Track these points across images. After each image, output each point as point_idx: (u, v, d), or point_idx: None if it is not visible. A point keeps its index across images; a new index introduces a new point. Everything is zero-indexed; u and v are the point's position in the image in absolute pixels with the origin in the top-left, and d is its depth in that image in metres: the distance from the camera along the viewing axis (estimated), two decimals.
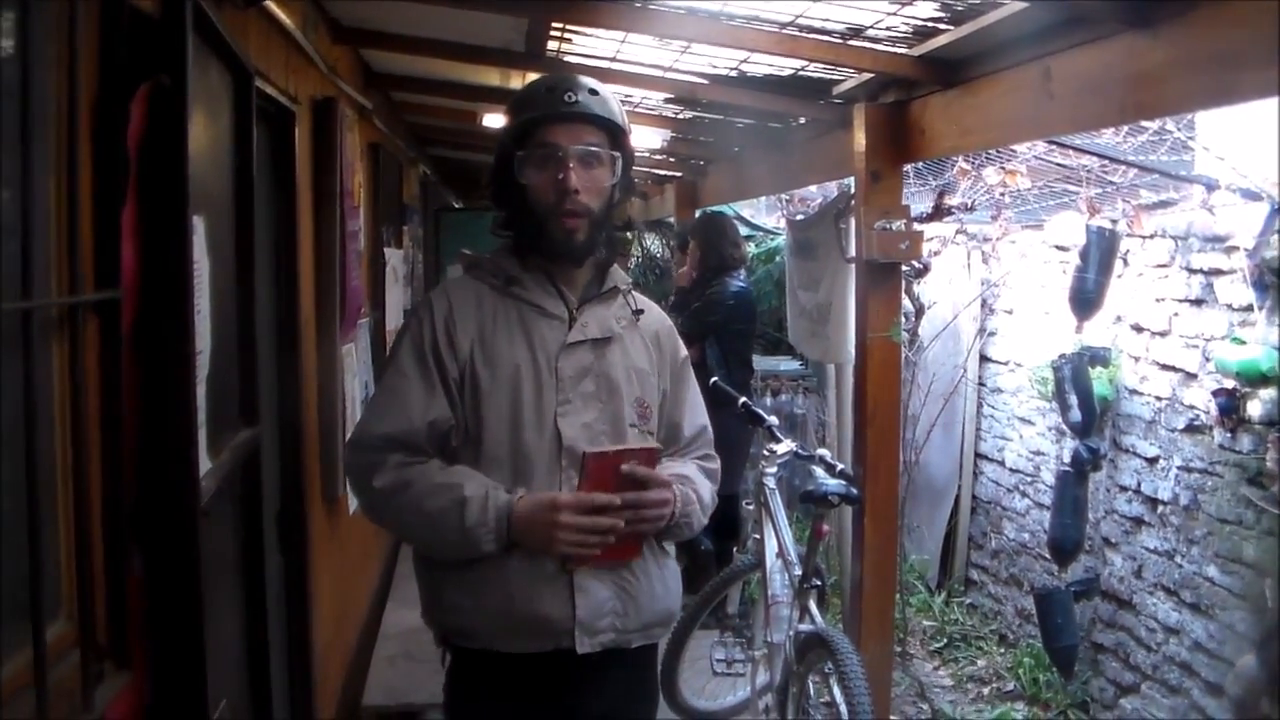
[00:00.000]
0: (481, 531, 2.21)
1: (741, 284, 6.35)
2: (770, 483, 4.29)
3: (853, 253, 4.68)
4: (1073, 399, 4.86)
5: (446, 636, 2.42)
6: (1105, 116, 3.07)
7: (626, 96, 5.42)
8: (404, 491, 2.27)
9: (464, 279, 2.48)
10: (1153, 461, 4.82)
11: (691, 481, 2.46)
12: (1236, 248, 4.25)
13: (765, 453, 4.33)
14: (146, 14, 1.83)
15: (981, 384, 6.73)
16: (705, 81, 4.76)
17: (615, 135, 2.40)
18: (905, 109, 4.11)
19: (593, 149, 2.35)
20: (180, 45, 1.83)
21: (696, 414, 2.63)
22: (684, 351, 2.64)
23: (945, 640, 6.20)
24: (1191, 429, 4.54)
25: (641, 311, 2.53)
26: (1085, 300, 4.82)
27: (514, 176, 2.36)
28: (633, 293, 2.55)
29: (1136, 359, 4.98)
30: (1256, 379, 4.02)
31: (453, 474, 2.28)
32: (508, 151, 2.38)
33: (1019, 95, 3.35)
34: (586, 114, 2.34)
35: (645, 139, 6.35)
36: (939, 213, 5.49)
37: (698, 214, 7.63)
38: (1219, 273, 4.39)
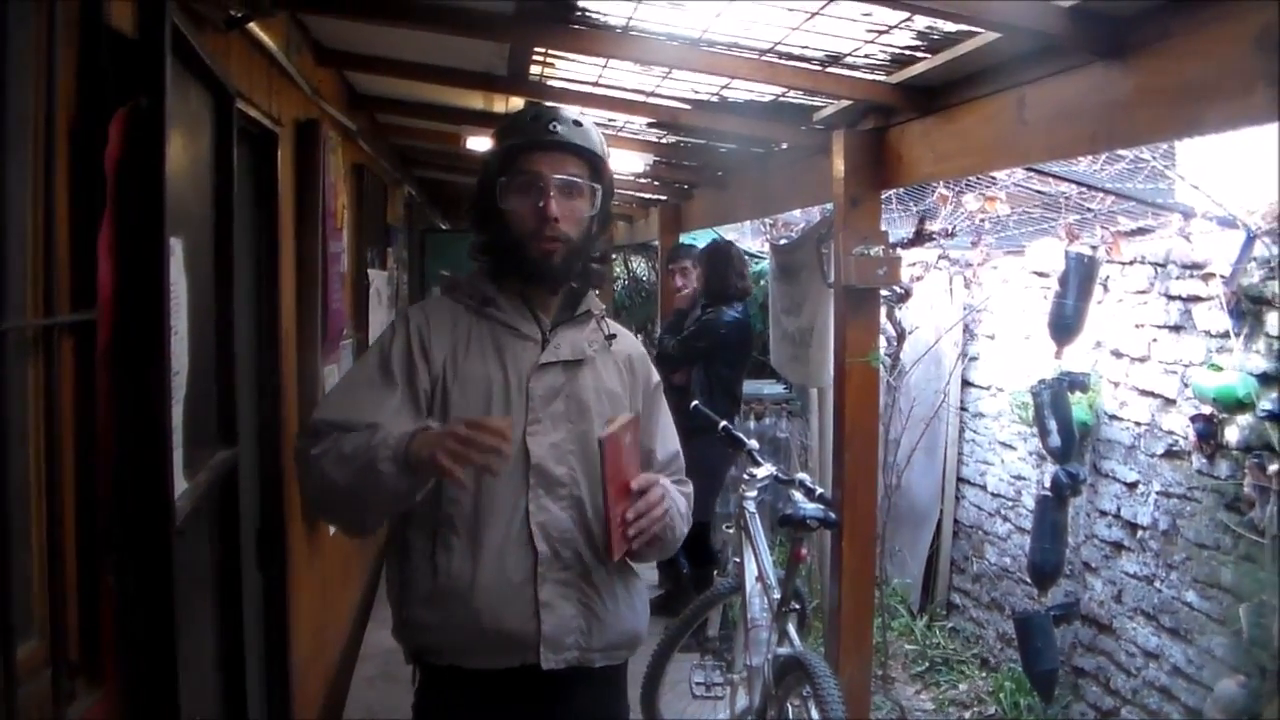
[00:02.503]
0: (381, 449, 2.15)
1: (737, 314, 6.29)
2: (750, 506, 4.30)
3: (833, 277, 4.70)
4: (1052, 424, 4.88)
5: (415, 653, 2.43)
6: (1078, 144, 3.09)
7: (609, 121, 5.45)
8: (332, 448, 2.24)
9: (441, 299, 2.51)
10: (1132, 486, 4.84)
11: (670, 492, 2.47)
12: (1214, 275, 4.29)
13: (745, 476, 4.35)
14: (125, 36, 1.85)
15: (963, 408, 6.75)
16: (687, 106, 4.79)
17: (596, 167, 2.43)
18: (884, 135, 4.14)
19: (573, 179, 2.37)
20: (158, 67, 1.85)
21: (669, 440, 2.65)
22: (656, 377, 2.66)
23: (927, 664, 6.20)
24: (1170, 454, 4.57)
25: (614, 336, 2.56)
26: (1065, 326, 4.84)
27: (495, 202, 2.38)
28: (605, 319, 2.58)
29: (1116, 384, 5.01)
30: (1233, 405, 4.05)
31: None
32: (490, 177, 2.41)
33: (994, 123, 3.38)
34: (569, 144, 2.37)
35: (628, 163, 6.37)
36: (920, 238, 5.52)
37: (683, 238, 7.64)
38: (1197, 299, 4.43)
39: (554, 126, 2.36)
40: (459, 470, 2.07)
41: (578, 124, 2.40)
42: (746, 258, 7.32)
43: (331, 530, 4.46)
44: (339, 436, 2.26)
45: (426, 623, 2.33)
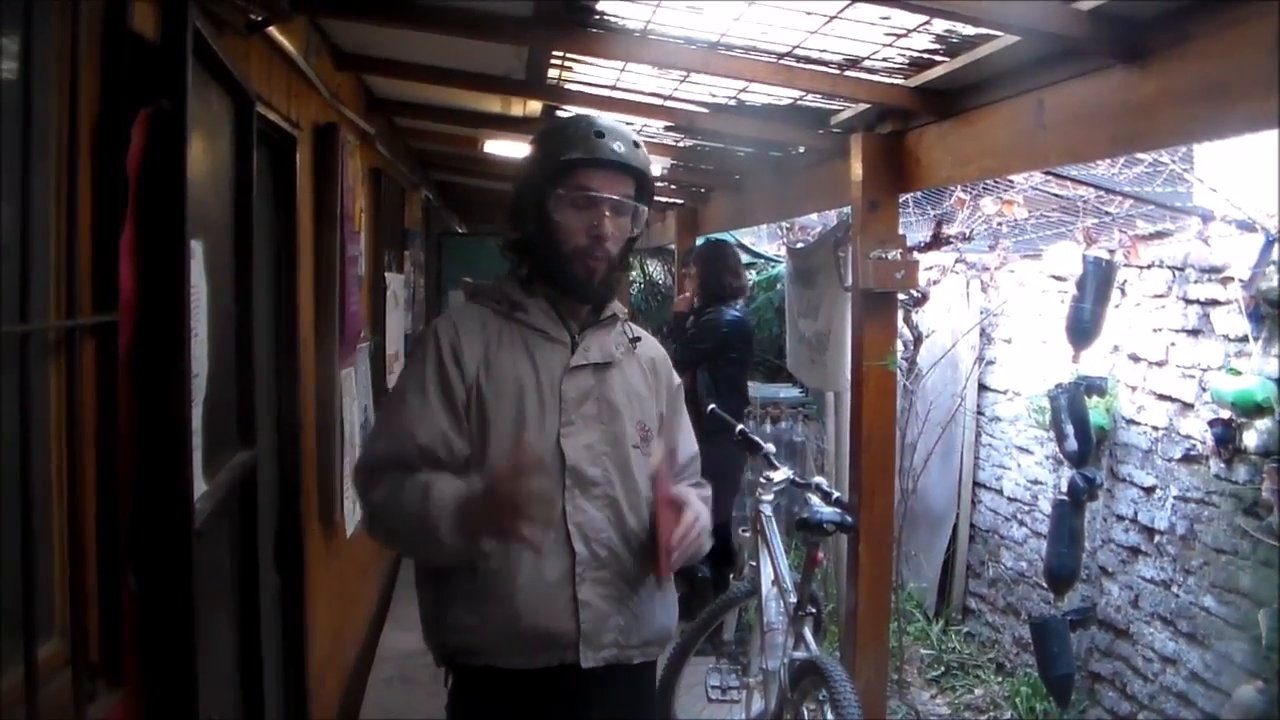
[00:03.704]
0: (441, 521, 2.23)
1: (737, 313, 6.32)
2: (767, 510, 4.29)
3: (851, 281, 4.70)
4: (1069, 428, 4.86)
5: (449, 655, 2.45)
6: (1097, 148, 3.09)
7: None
8: (394, 497, 2.32)
9: (469, 306, 2.54)
10: (1149, 491, 4.82)
11: (694, 507, 2.51)
12: (1232, 279, 4.27)
13: (762, 480, 4.34)
14: (147, 40, 1.86)
15: (980, 412, 6.73)
16: (705, 110, 4.79)
17: (644, 188, 2.47)
18: (902, 139, 4.14)
19: (626, 200, 2.42)
20: (180, 71, 1.86)
21: (689, 440, 2.71)
22: (678, 380, 2.71)
23: (943, 669, 6.18)
24: (1188, 459, 4.55)
25: (639, 339, 2.61)
26: (1082, 330, 4.83)
27: (544, 210, 2.40)
28: (628, 322, 2.62)
29: (1133, 389, 4.99)
30: (1252, 409, 4.03)
31: (434, 476, 2.32)
32: (540, 183, 2.42)
33: (1013, 126, 3.38)
34: (628, 165, 2.40)
35: None
36: (937, 242, 5.51)
37: (699, 241, 7.64)
38: (1215, 303, 4.41)
39: (617, 146, 2.38)
40: (521, 534, 2.18)
41: (636, 145, 2.43)
42: (742, 256, 7.33)
43: (349, 533, 4.47)
44: (397, 481, 2.32)
45: (465, 624, 2.36)
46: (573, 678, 2.36)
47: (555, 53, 4.16)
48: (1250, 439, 4.11)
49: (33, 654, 1.37)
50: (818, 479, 4.14)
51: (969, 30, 3.15)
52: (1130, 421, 5.00)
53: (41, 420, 1.49)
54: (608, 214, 2.38)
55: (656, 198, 8.36)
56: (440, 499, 2.25)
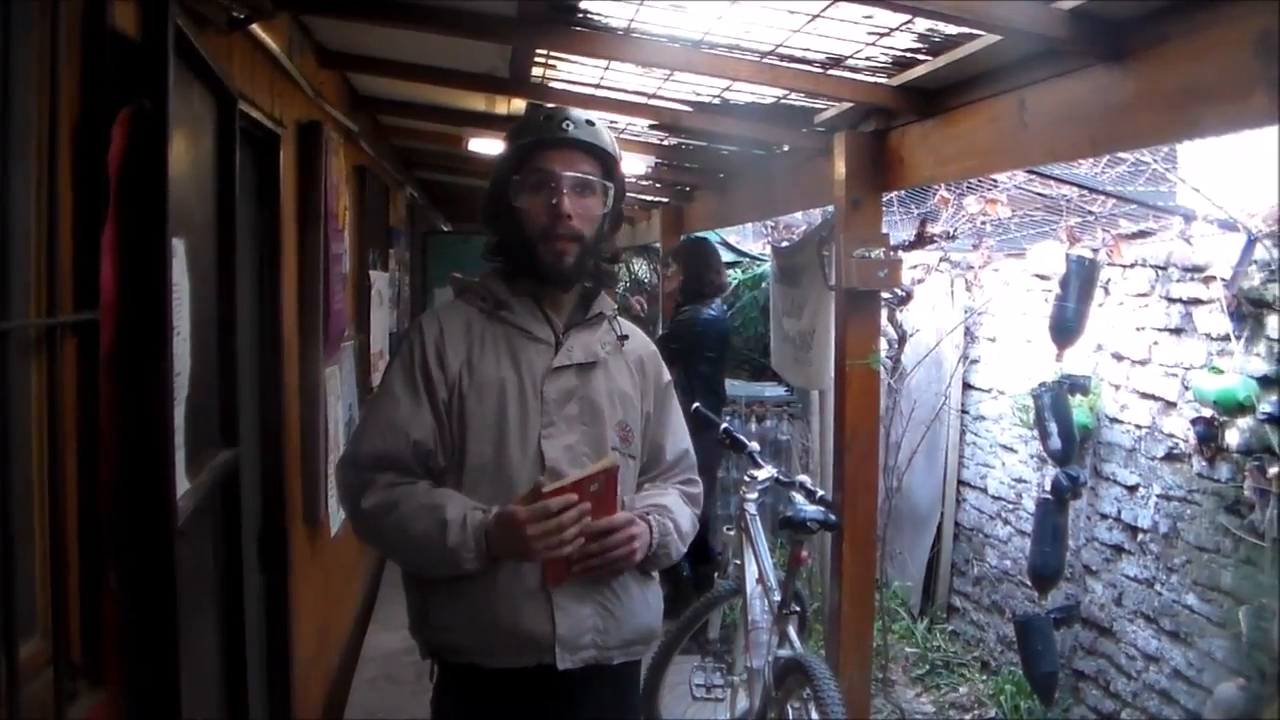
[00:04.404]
0: (463, 552, 2.26)
1: (714, 312, 6.29)
2: (751, 508, 4.30)
3: (835, 280, 4.70)
4: (1053, 427, 4.87)
5: (434, 651, 2.46)
6: (1078, 148, 3.10)
7: (611, 122, 5.45)
8: (391, 513, 2.32)
9: (454, 303, 2.53)
10: (1133, 489, 4.84)
11: (669, 511, 2.50)
12: (1214, 278, 4.29)
13: (746, 479, 4.35)
14: (128, 38, 1.85)
15: (964, 411, 6.74)
16: (689, 109, 4.79)
17: (608, 166, 2.47)
18: (885, 138, 4.15)
19: (586, 177, 2.41)
20: (161, 69, 1.85)
21: (679, 438, 2.68)
22: (667, 376, 2.69)
23: (927, 667, 6.19)
24: (1171, 457, 4.57)
25: (626, 337, 2.59)
26: (1065, 328, 4.84)
27: (508, 201, 2.41)
28: (618, 318, 2.61)
29: (1117, 387, 5.01)
30: (1234, 408, 4.05)
31: (436, 496, 2.32)
32: (503, 176, 2.44)
33: (995, 126, 3.39)
34: (581, 142, 2.41)
35: (630, 165, 6.36)
36: (921, 241, 5.52)
37: (682, 238, 7.64)
38: (1197, 302, 4.43)
39: (566, 125, 2.40)
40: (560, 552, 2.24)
41: (590, 123, 2.44)
42: (723, 254, 7.30)
43: (333, 533, 4.47)
44: (392, 492, 2.33)
45: (447, 622, 2.37)
46: (554, 678, 2.36)
47: (539, 51, 4.16)
48: (1232, 437, 4.12)
49: (13, 653, 1.36)
50: (802, 477, 4.15)
51: (951, 29, 3.15)
52: (1113, 420, 5.02)
53: (22, 418, 1.49)
54: (566, 191, 2.37)
55: (642, 196, 8.44)
56: (457, 529, 2.26)
